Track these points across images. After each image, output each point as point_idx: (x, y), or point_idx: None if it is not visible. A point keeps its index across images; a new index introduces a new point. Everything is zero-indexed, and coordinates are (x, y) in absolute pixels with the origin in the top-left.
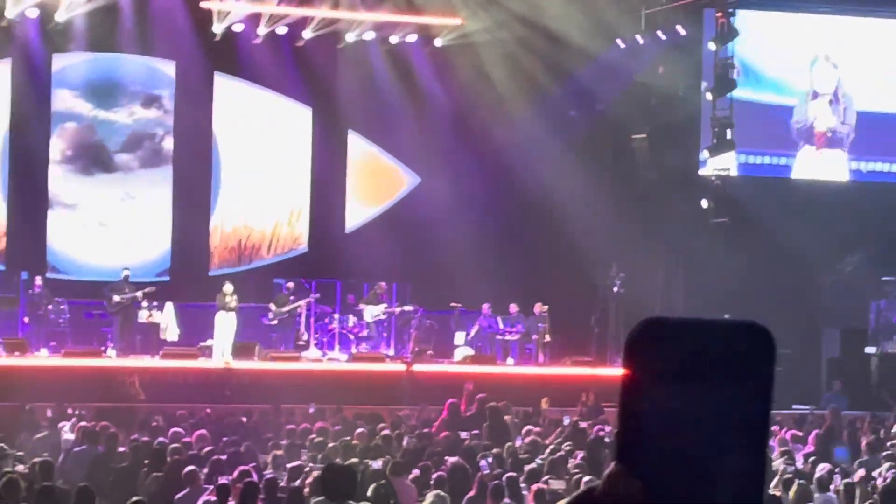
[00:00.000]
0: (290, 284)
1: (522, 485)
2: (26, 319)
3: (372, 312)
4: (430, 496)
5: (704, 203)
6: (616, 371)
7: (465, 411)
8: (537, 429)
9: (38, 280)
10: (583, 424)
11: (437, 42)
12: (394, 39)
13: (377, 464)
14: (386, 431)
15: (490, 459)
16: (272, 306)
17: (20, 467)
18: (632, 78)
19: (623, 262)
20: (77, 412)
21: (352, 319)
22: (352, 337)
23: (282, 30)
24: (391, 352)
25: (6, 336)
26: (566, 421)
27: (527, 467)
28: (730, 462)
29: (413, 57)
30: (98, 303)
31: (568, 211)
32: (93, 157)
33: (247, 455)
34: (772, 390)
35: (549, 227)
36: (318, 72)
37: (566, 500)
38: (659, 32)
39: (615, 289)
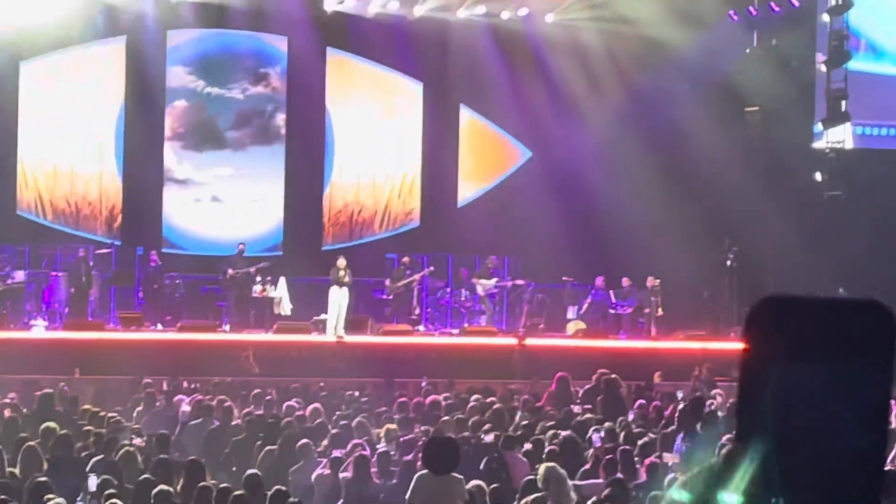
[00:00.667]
0: (406, 259)
1: (635, 458)
2: (142, 294)
3: (484, 286)
4: (542, 469)
5: (818, 176)
6: (729, 345)
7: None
8: (652, 402)
9: (154, 255)
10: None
11: (548, 18)
12: (505, 15)
13: (489, 437)
14: (498, 405)
15: (602, 433)
16: (388, 281)
17: (137, 440)
18: (744, 51)
19: (736, 236)
20: (192, 386)
21: (464, 293)
22: (464, 311)
23: (393, 6)
24: (503, 326)
25: (122, 311)
26: (679, 395)
27: (640, 441)
28: (850, 440)
29: (523, 32)
30: (213, 277)
31: (679, 184)
32: (204, 134)
33: (360, 429)
34: (893, 369)
35: (660, 200)
36: (429, 47)
37: (686, 475)
38: (772, 4)
39: (728, 262)
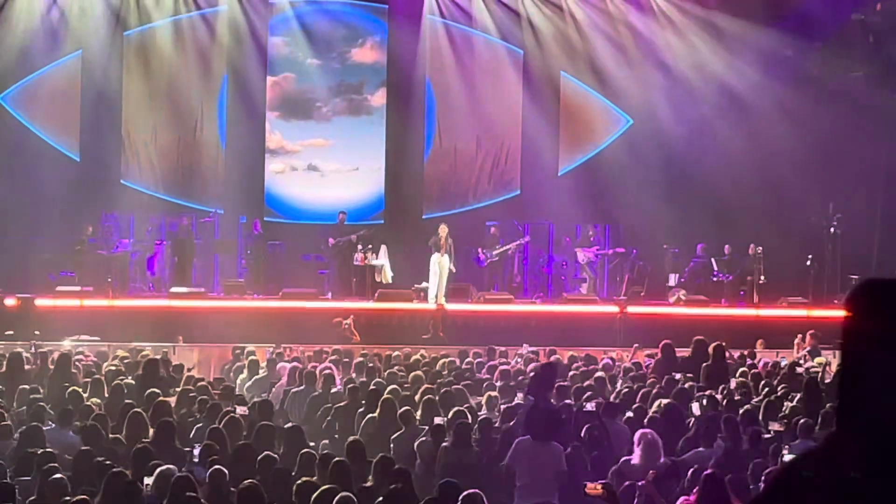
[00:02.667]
0: (494, 230)
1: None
2: (245, 262)
3: (584, 255)
4: (637, 435)
5: None
6: (833, 313)
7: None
8: (752, 371)
9: (258, 223)
10: (799, 368)
11: None
12: None
13: (590, 405)
14: (599, 373)
15: (704, 402)
16: (483, 249)
17: (240, 408)
18: (849, 15)
19: (840, 202)
20: (295, 353)
21: (565, 262)
22: (564, 279)
23: None
24: (604, 294)
25: (226, 279)
26: (782, 363)
27: (742, 409)
28: None
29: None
30: (314, 245)
31: (782, 150)
32: (305, 104)
33: (460, 396)
34: None
35: (762, 166)
36: (530, 14)
37: (786, 462)
38: None
39: (832, 229)
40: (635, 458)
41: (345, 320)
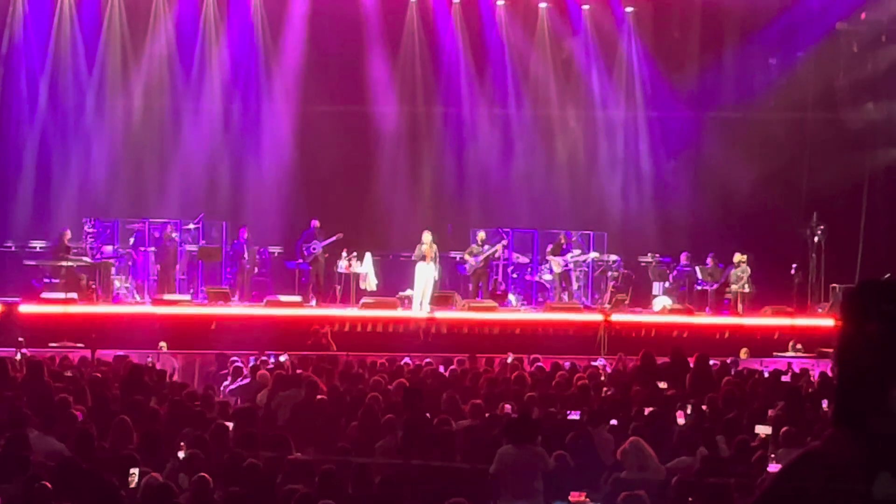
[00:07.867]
0: (481, 235)
1: (720, 436)
2: (229, 269)
3: (558, 263)
4: (627, 444)
5: None
6: (817, 321)
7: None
8: (736, 379)
9: (244, 231)
10: (783, 377)
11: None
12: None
13: (575, 414)
14: (583, 381)
15: (688, 410)
16: (466, 257)
17: (224, 416)
18: (833, 25)
19: (824, 211)
20: (278, 360)
21: (545, 270)
22: (549, 286)
23: None
24: (588, 302)
25: (210, 285)
26: (766, 372)
27: (726, 417)
28: None
29: (611, 10)
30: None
31: (766, 158)
32: None
33: (446, 404)
34: None
35: (747, 175)
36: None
37: (786, 462)
38: None
39: (816, 238)
40: (631, 468)
41: (322, 329)
